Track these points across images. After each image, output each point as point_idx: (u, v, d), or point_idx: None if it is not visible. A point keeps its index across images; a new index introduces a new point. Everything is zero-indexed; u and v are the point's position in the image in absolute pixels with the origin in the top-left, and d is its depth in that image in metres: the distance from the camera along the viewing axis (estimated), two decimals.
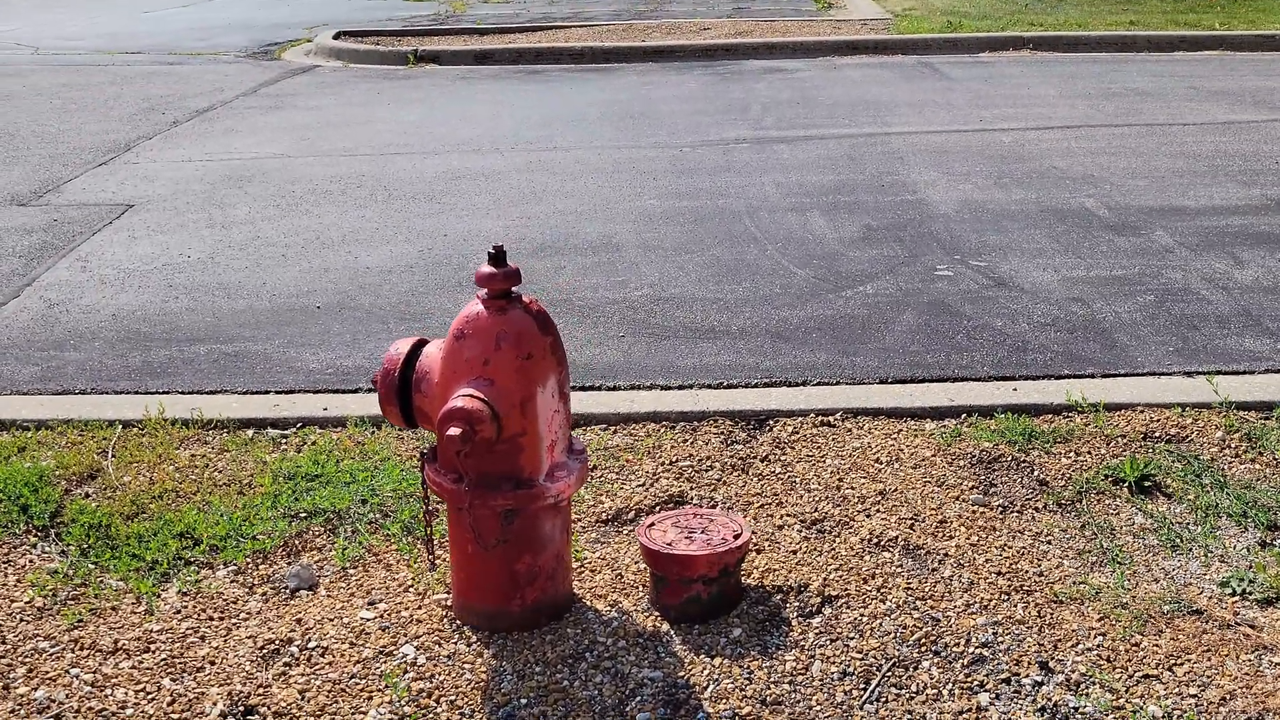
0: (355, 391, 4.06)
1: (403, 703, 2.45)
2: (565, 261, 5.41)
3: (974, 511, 3.15)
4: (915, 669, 2.52)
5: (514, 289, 2.50)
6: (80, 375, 4.28)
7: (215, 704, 2.45)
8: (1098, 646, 2.58)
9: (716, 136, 7.95)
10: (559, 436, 2.58)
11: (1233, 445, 3.48)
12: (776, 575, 2.84)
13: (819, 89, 9.76)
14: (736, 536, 2.70)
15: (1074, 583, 2.82)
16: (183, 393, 4.10)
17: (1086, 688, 2.46)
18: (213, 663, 2.60)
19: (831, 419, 3.70)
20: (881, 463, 3.43)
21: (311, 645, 2.64)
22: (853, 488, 3.28)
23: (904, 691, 2.46)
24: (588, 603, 2.77)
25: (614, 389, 4.05)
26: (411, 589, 2.85)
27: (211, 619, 2.77)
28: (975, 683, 2.48)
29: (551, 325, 2.53)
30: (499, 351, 2.45)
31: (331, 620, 2.73)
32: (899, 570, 2.87)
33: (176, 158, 7.67)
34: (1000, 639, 2.61)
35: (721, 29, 13.15)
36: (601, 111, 9.04)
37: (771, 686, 2.48)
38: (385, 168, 7.28)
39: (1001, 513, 3.15)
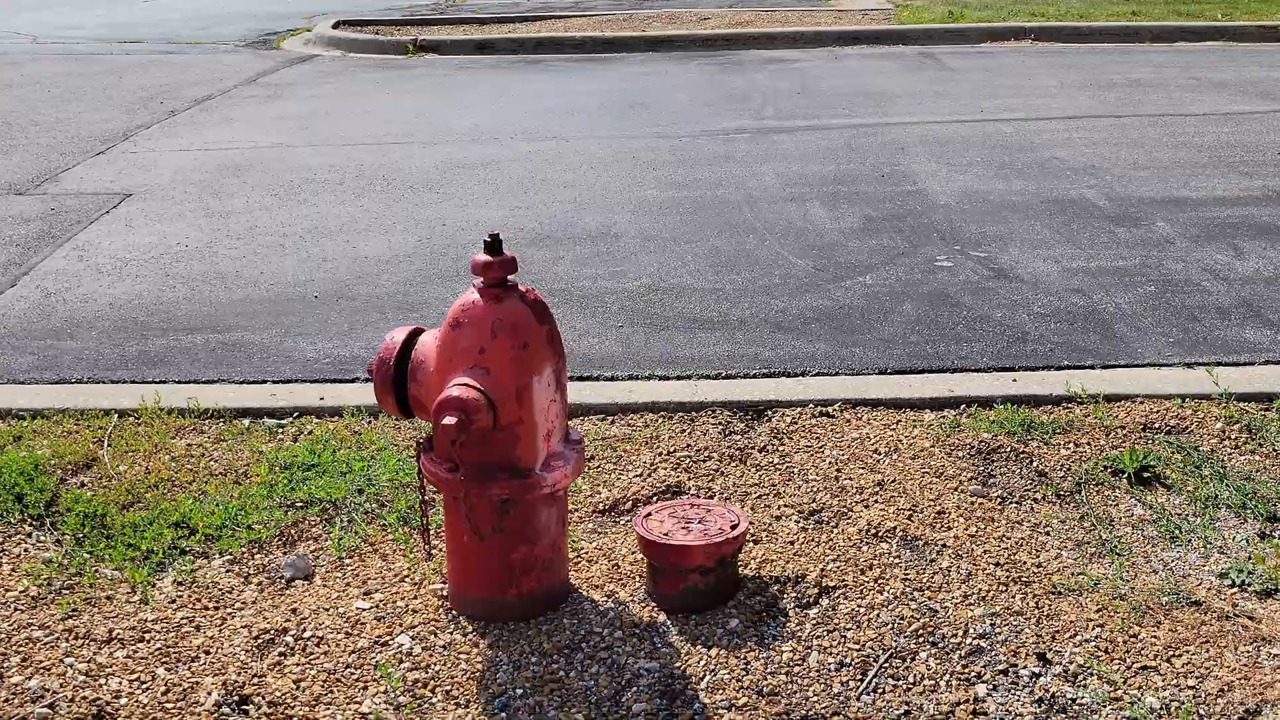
0: (352, 381, 4.05)
1: (398, 693, 2.44)
2: (564, 251, 5.39)
3: (972, 502, 3.14)
4: (912, 660, 2.51)
5: (510, 277, 2.48)
6: (76, 364, 4.27)
7: (210, 693, 2.44)
8: (1096, 638, 2.57)
9: (717, 126, 7.93)
10: (555, 426, 2.57)
11: (1232, 437, 3.46)
12: (774, 566, 2.83)
13: (819, 79, 9.73)
14: (734, 527, 2.69)
15: (1072, 574, 2.81)
16: (179, 382, 4.09)
17: (1084, 679, 2.45)
18: (207, 652, 2.59)
19: (830, 410, 3.69)
20: (880, 453, 3.41)
21: (307, 635, 2.63)
22: (851, 478, 3.27)
23: (901, 682, 2.45)
24: (584, 593, 2.76)
25: (612, 379, 4.03)
26: (407, 579, 2.84)
27: (207, 609, 2.76)
28: (973, 674, 2.47)
29: (548, 314, 2.52)
30: (495, 340, 2.43)
31: (327, 610, 2.73)
32: (897, 561, 2.86)
33: (174, 147, 7.64)
34: (998, 630, 2.60)
35: (722, 19, 13.11)
36: (601, 101, 9.01)
37: (768, 677, 2.47)
38: (384, 157, 7.26)
39: (1000, 504, 3.14)
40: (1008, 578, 2.79)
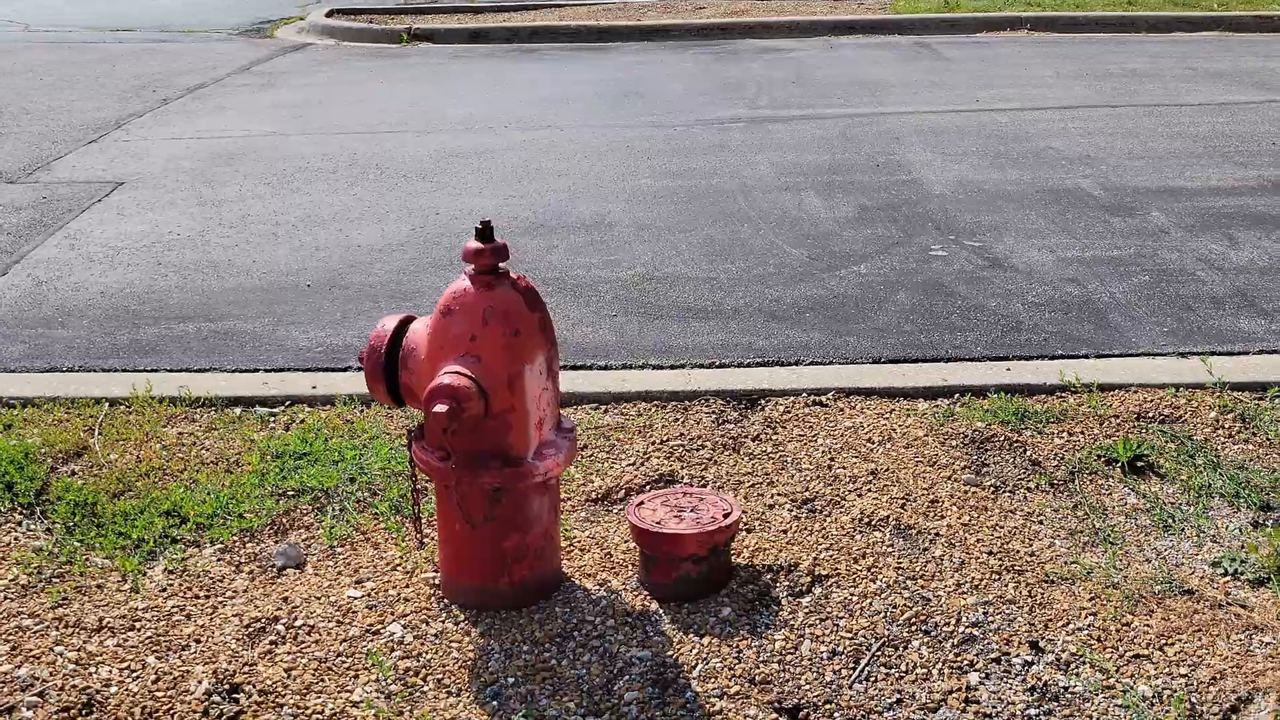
0: (345, 370, 4.04)
1: (389, 681, 2.44)
2: (558, 240, 5.38)
3: (966, 491, 3.13)
4: (905, 648, 2.51)
5: (502, 265, 2.47)
6: (68, 353, 4.25)
7: (200, 682, 2.44)
8: (1088, 626, 2.57)
9: (711, 116, 7.91)
10: (547, 414, 2.56)
11: (1226, 426, 3.46)
12: (767, 554, 2.82)
13: (815, 68, 9.71)
14: (726, 515, 2.68)
15: (1065, 562, 2.81)
16: (171, 371, 4.07)
17: (1077, 667, 2.45)
18: (198, 641, 2.58)
19: (824, 398, 3.68)
20: (874, 442, 3.41)
21: (298, 624, 2.62)
22: (844, 467, 3.26)
23: (893, 671, 2.45)
24: (577, 581, 2.75)
25: (605, 368, 4.02)
26: (399, 567, 2.83)
27: (197, 597, 2.75)
28: (965, 662, 2.47)
29: (540, 301, 2.50)
30: (486, 328, 2.42)
31: (318, 599, 2.72)
32: (890, 550, 2.85)
33: (167, 135, 7.61)
34: (991, 618, 2.60)
35: (717, 8, 13.07)
36: (596, 90, 8.98)
37: (760, 666, 2.46)
38: (377, 146, 7.23)
39: (994, 492, 3.14)
40: (1001, 566, 2.79)
